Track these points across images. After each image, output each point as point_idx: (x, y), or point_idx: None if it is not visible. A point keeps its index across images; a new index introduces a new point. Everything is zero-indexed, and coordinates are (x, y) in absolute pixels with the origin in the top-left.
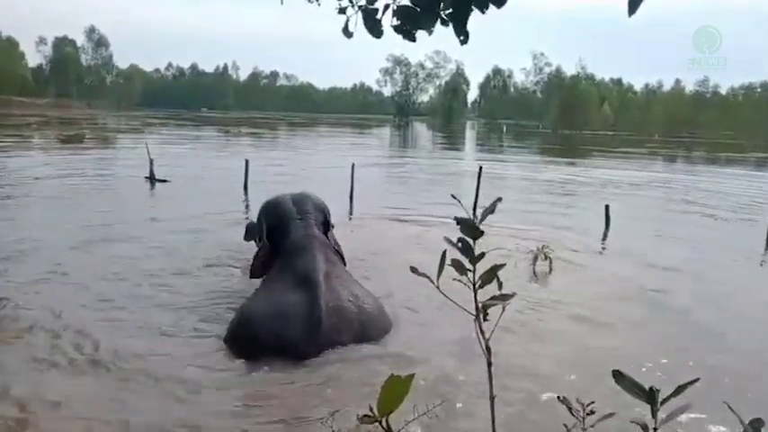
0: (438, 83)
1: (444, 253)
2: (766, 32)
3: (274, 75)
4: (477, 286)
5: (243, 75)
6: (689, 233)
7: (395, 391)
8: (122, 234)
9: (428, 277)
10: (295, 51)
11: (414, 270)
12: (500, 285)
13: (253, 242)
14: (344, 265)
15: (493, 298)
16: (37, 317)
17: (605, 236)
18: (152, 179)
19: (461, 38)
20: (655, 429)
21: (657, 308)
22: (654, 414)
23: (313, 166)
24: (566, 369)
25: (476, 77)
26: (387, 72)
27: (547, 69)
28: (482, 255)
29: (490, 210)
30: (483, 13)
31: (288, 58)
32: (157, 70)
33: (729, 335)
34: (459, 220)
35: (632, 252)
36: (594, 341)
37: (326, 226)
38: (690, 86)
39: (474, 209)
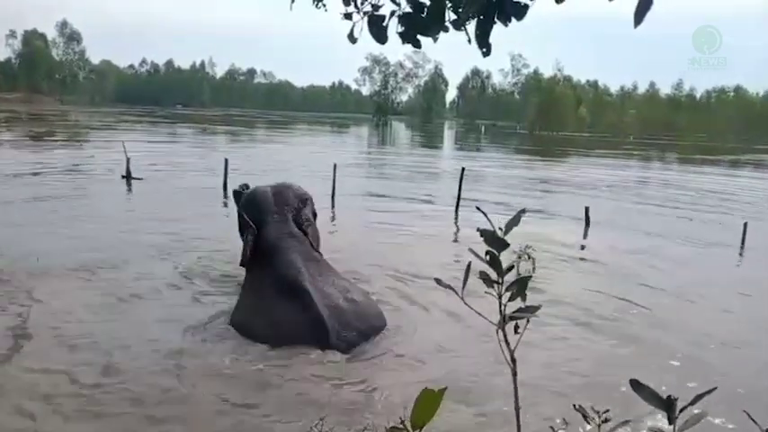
0: (417, 82)
1: (469, 264)
2: (740, 37)
3: (251, 72)
4: (503, 298)
5: (219, 72)
6: (666, 232)
7: (428, 403)
8: (103, 236)
9: (453, 289)
10: (273, 49)
11: (438, 282)
12: (524, 297)
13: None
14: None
15: (519, 310)
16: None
17: (585, 236)
18: (128, 177)
19: (484, 50)
20: None
21: (640, 310)
22: (671, 422)
23: (292, 165)
24: (566, 372)
25: (454, 78)
26: (365, 71)
27: (524, 71)
28: (510, 267)
29: (515, 222)
30: (506, 26)
31: (266, 55)
32: (131, 66)
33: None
34: (483, 232)
35: (612, 253)
36: (585, 342)
37: (303, 215)
38: (665, 89)
39: (456, 209)
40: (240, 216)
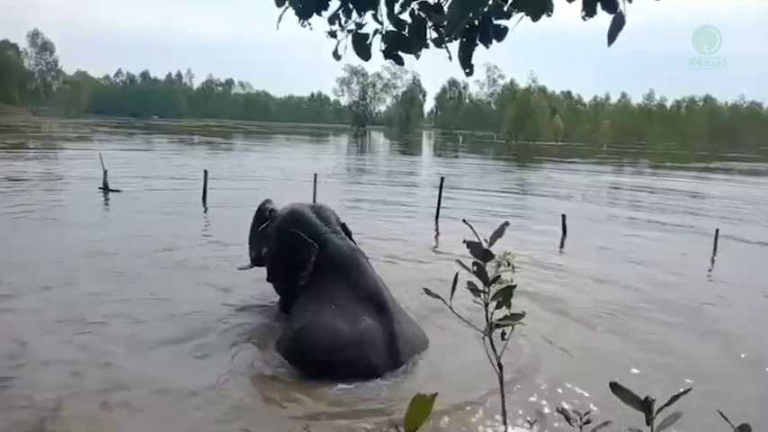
0: (395, 93)
1: (456, 275)
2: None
3: (229, 83)
4: (489, 306)
5: (197, 83)
6: (640, 237)
7: (420, 408)
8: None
9: (442, 299)
10: (252, 59)
11: (427, 291)
12: (509, 305)
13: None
14: None
15: (505, 318)
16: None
17: (563, 243)
18: (105, 189)
19: (467, 70)
20: None
21: (620, 315)
22: (649, 422)
23: (272, 176)
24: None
25: (432, 88)
26: (344, 82)
27: (500, 81)
28: (497, 277)
29: (498, 234)
30: (487, 47)
31: (244, 66)
32: (107, 77)
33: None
34: (469, 244)
35: (589, 260)
36: (570, 345)
37: (349, 233)
38: (636, 99)
39: (436, 218)
40: (287, 236)
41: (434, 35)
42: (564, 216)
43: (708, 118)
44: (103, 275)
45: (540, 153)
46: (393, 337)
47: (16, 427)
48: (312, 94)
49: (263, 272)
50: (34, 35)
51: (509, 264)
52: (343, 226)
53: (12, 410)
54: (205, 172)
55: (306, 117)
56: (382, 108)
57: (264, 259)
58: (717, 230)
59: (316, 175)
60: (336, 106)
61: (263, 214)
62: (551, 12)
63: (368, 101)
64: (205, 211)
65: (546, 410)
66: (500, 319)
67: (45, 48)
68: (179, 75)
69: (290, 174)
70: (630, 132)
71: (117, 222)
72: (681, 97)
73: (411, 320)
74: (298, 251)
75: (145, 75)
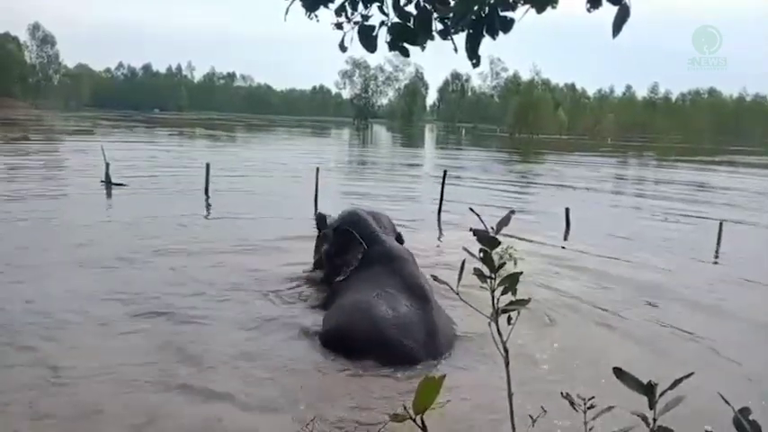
0: (397, 86)
1: (463, 262)
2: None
3: (231, 76)
4: (495, 292)
5: (198, 75)
6: (643, 232)
7: (428, 390)
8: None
9: (449, 285)
10: (254, 52)
11: (435, 278)
12: (515, 292)
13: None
14: None
15: (511, 303)
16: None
17: (566, 236)
18: (108, 183)
19: (473, 61)
20: (654, 420)
21: (623, 306)
22: (652, 406)
23: (274, 170)
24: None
25: (435, 81)
26: (346, 74)
27: (503, 74)
28: (502, 264)
29: (505, 222)
30: (494, 39)
31: (246, 59)
32: (108, 70)
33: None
34: (476, 232)
35: (592, 252)
36: (567, 339)
37: (401, 239)
38: (641, 92)
39: (439, 211)
40: (340, 234)
41: (440, 27)
42: (567, 209)
43: (713, 111)
44: (101, 270)
45: (543, 146)
46: (433, 326)
47: None
48: (314, 88)
49: (280, 268)
50: (35, 28)
51: (511, 256)
52: (399, 236)
53: None
54: (207, 165)
55: (307, 110)
56: (384, 101)
57: (323, 259)
58: (721, 222)
59: (318, 168)
60: (338, 99)
61: (323, 220)
62: (556, 3)
63: (370, 94)
64: (207, 205)
65: (550, 395)
66: (507, 305)
67: (46, 41)
68: (179, 68)
69: (292, 167)
70: (635, 126)
71: (117, 216)
72: (686, 90)
73: (444, 313)
74: (347, 248)
75: (146, 68)
